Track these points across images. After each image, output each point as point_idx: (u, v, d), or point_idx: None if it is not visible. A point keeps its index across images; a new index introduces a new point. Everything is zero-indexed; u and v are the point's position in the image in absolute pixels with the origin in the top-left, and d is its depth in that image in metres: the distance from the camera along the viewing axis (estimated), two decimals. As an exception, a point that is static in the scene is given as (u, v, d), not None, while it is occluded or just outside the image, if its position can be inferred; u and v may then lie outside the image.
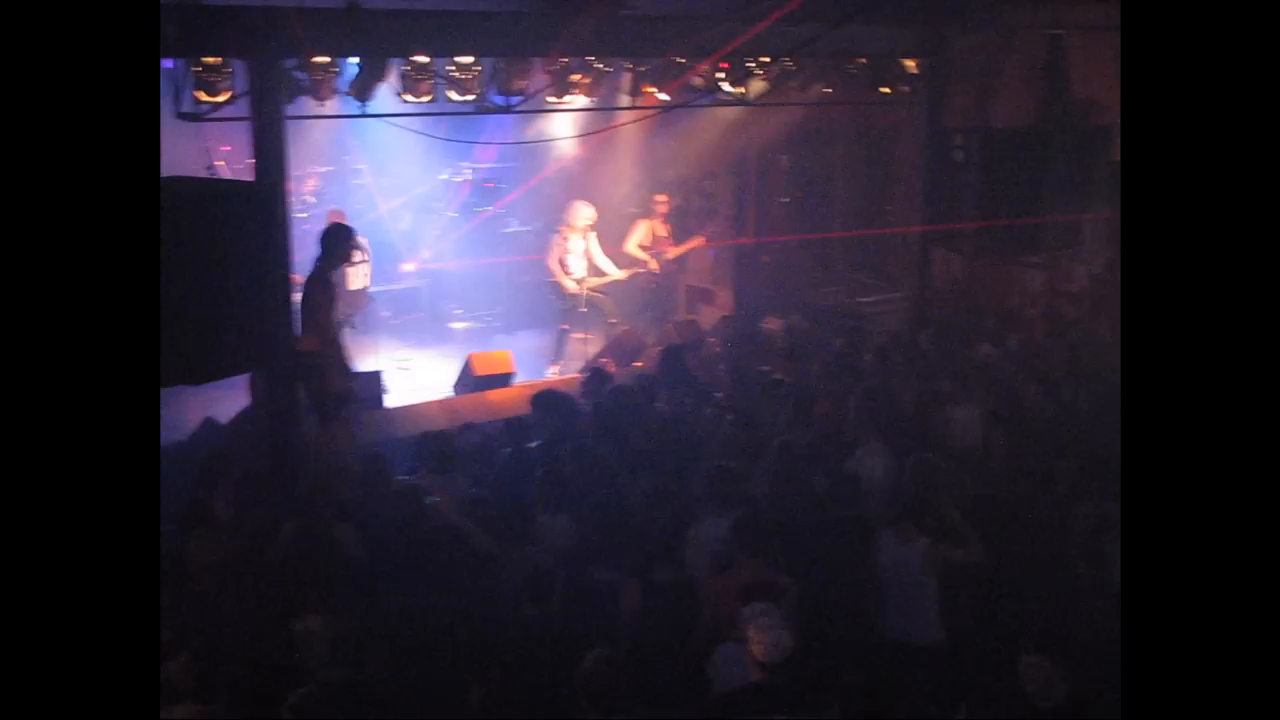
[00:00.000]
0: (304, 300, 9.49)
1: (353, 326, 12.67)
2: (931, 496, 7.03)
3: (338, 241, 9.55)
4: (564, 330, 13.75)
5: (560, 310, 13.73)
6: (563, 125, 14.78)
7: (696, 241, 14.81)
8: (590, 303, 13.51)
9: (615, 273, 13.87)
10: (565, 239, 13.45)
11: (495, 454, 8.59)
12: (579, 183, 15.26)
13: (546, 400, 8.94)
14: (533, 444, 8.52)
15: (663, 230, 14.38)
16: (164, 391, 5.92)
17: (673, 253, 14.46)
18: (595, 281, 13.60)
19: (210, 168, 8.47)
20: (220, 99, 9.09)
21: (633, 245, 14.23)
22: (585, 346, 13.64)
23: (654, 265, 14.31)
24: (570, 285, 13.42)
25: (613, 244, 14.14)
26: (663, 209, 14.43)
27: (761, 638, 5.25)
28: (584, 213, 13.41)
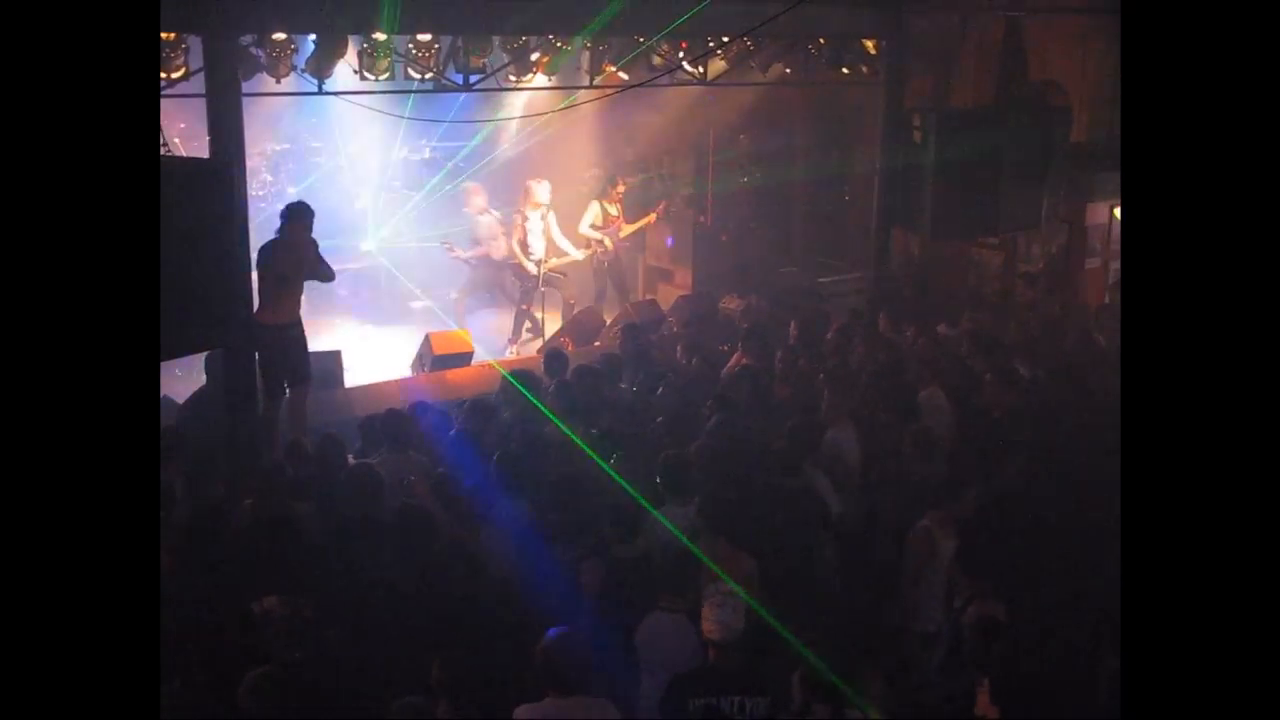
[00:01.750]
0: (260, 277, 9.41)
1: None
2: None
3: (296, 217, 9.45)
4: (523, 310, 13.74)
5: (519, 290, 13.72)
6: (522, 104, 14.74)
7: (648, 219, 14.82)
8: (549, 282, 13.50)
9: (574, 253, 13.88)
10: (525, 219, 13.43)
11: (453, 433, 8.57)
12: (538, 162, 15.21)
13: (518, 379, 8.92)
14: (496, 422, 8.50)
15: (614, 210, 14.37)
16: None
17: (626, 230, 14.47)
18: (554, 262, 13.60)
19: (166, 145, 8.37)
20: (176, 75, 9.00)
21: (585, 226, 14.23)
22: (543, 326, 13.64)
23: (609, 244, 14.29)
24: (530, 266, 13.40)
25: (573, 222, 14.13)
26: (616, 194, 14.42)
27: (713, 615, 5.28)
28: (541, 191, 13.39)
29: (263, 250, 9.36)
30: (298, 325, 9.60)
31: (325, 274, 9.73)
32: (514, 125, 15.30)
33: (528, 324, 13.92)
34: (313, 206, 9.61)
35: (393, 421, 8.05)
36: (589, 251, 14.17)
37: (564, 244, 13.77)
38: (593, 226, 14.25)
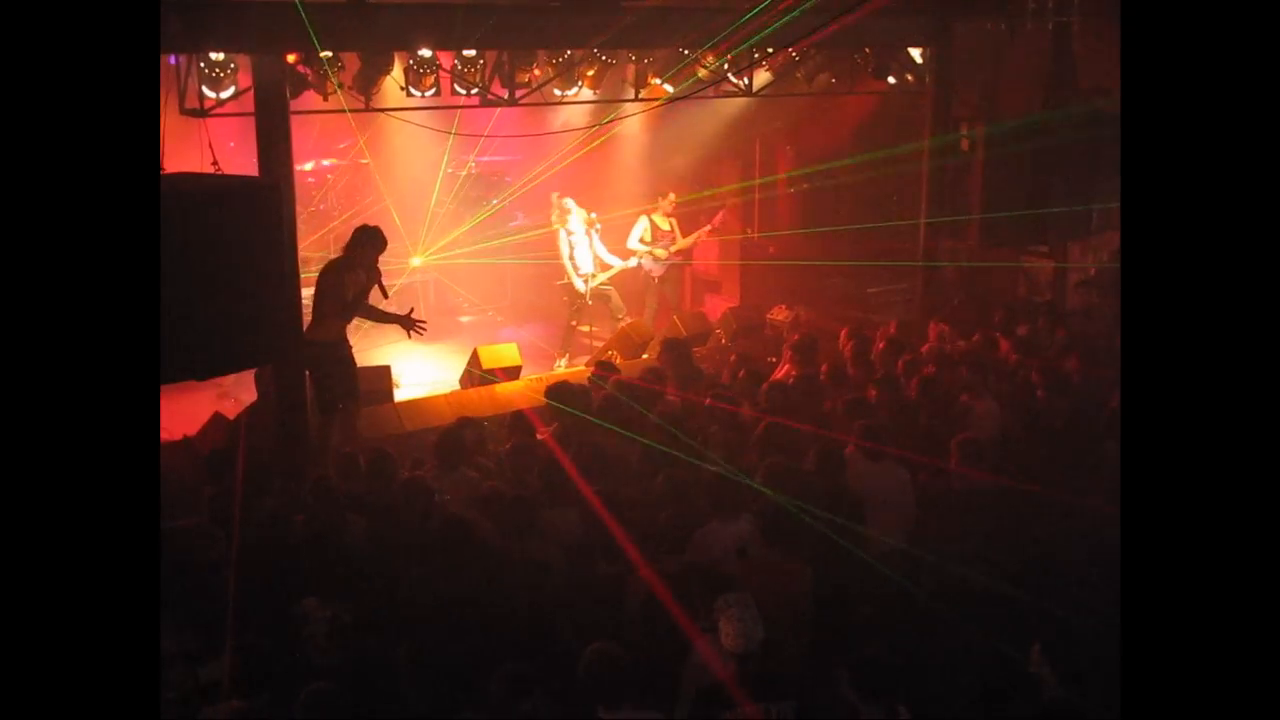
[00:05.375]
0: (316, 293, 9.50)
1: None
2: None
3: (369, 241, 9.59)
4: (572, 325, 13.74)
5: (567, 304, 13.73)
6: (567, 118, 14.77)
7: (703, 232, 14.75)
8: (596, 296, 13.50)
9: (619, 264, 13.82)
10: (570, 235, 13.42)
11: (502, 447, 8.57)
12: (584, 175, 15.23)
13: (559, 393, 8.93)
14: (540, 437, 8.50)
15: (665, 224, 14.31)
16: (172, 386, 5.92)
17: (680, 244, 14.39)
18: (602, 275, 13.58)
19: (215, 164, 8.47)
20: (225, 95, 9.11)
21: (634, 240, 14.19)
22: (592, 339, 13.63)
23: (660, 255, 14.21)
24: (578, 282, 13.40)
25: (617, 236, 14.11)
26: (668, 207, 14.35)
27: (730, 629, 5.27)
28: (569, 204, 13.36)
29: (328, 269, 9.45)
30: (345, 343, 9.68)
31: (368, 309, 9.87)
32: (559, 139, 15.31)
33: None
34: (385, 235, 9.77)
35: (443, 440, 8.07)
36: (638, 260, 14.10)
37: (609, 258, 13.75)
38: (641, 241, 14.25)
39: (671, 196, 14.34)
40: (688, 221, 14.72)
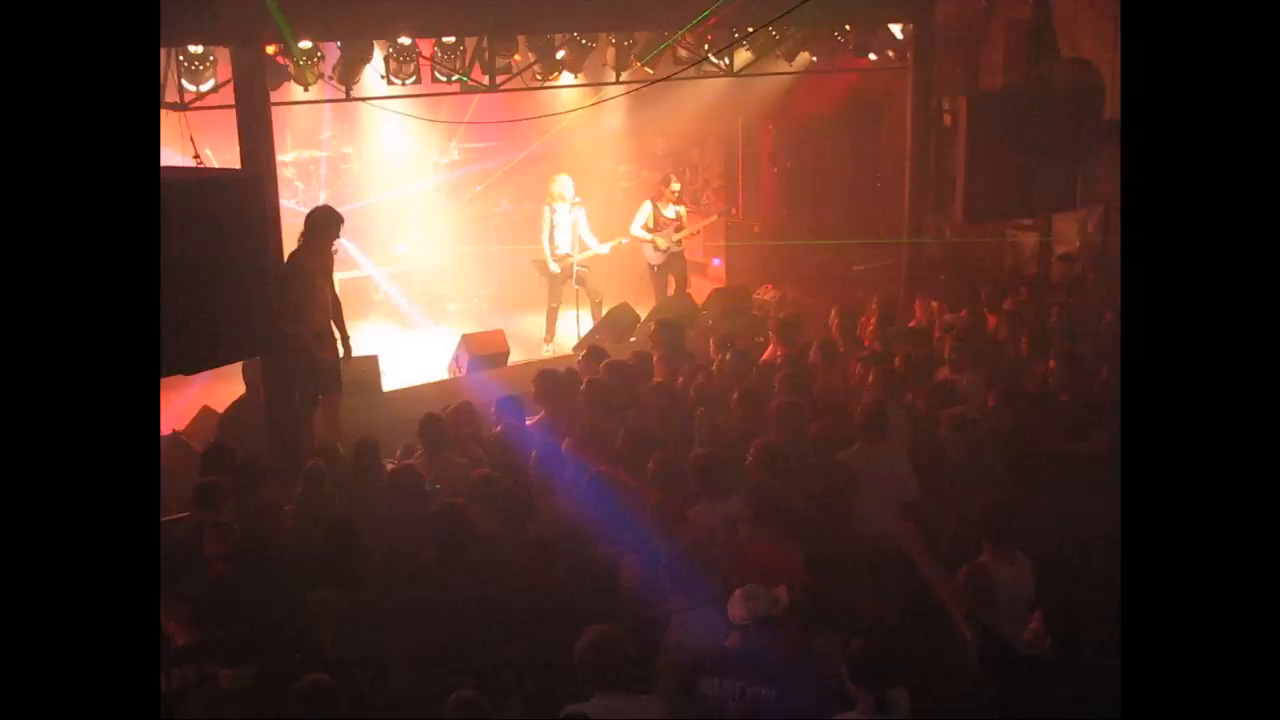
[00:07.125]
0: (289, 287, 9.39)
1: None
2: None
3: (320, 225, 9.48)
4: (554, 308, 13.69)
5: (545, 286, 13.67)
6: (549, 102, 14.71)
7: (709, 221, 14.66)
8: (579, 280, 13.42)
9: (599, 248, 13.65)
10: (552, 215, 13.36)
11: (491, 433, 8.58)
12: (566, 159, 15.18)
13: (547, 379, 8.92)
14: (530, 422, 8.51)
15: (670, 212, 13.96)
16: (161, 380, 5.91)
17: (686, 231, 14.16)
18: (580, 257, 13.47)
19: (198, 156, 8.45)
20: (205, 88, 9.07)
21: (637, 227, 13.91)
22: (577, 324, 13.59)
23: (661, 244, 14.05)
24: (552, 265, 13.33)
25: (599, 218, 14.03)
26: (670, 194, 14.02)
27: (740, 602, 5.29)
28: (563, 185, 13.28)
29: (290, 260, 9.37)
30: (328, 334, 9.63)
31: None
32: (541, 124, 15.22)
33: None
34: (341, 213, 9.66)
35: (427, 425, 8.07)
36: (618, 244, 13.96)
37: (590, 239, 13.61)
38: (645, 228, 13.93)
39: (676, 185, 14.13)
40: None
